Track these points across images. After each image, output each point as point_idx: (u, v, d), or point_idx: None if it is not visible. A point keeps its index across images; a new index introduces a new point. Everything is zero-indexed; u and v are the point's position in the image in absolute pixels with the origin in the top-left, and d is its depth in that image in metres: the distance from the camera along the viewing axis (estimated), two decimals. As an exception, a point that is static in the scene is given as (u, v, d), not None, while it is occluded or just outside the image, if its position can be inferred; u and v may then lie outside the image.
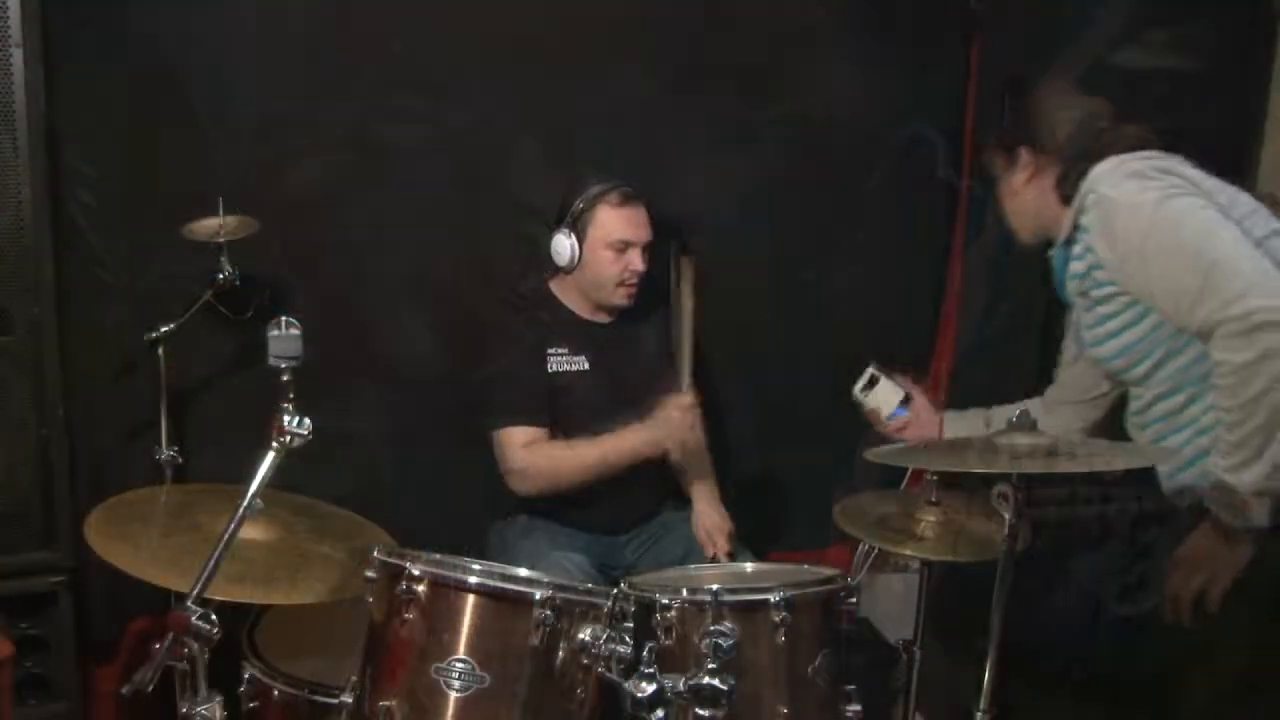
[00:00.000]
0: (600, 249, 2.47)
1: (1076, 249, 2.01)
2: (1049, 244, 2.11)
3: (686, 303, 2.39)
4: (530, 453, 2.42)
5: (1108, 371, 2.10)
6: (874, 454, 1.87)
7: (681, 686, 1.55)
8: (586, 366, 2.53)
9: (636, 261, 2.48)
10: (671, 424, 2.37)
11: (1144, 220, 1.88)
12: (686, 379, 2.40)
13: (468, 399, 2.57)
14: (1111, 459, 1.99)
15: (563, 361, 2.51)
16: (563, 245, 2.48)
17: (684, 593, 1.84)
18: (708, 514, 2.52)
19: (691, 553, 2.47)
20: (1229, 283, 1.78)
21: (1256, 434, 1.80)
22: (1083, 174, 1.97)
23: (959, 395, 2.51)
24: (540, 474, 2.42)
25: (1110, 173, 1.95)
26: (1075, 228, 2.00)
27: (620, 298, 2.51)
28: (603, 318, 2.58)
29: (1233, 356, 1.78)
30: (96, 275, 2.43)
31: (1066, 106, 2.05)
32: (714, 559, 2.42)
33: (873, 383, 2.42)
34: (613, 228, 2.46)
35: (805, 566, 2.09)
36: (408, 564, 1.67)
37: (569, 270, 2.51)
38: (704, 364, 2.50)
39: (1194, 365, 1.93)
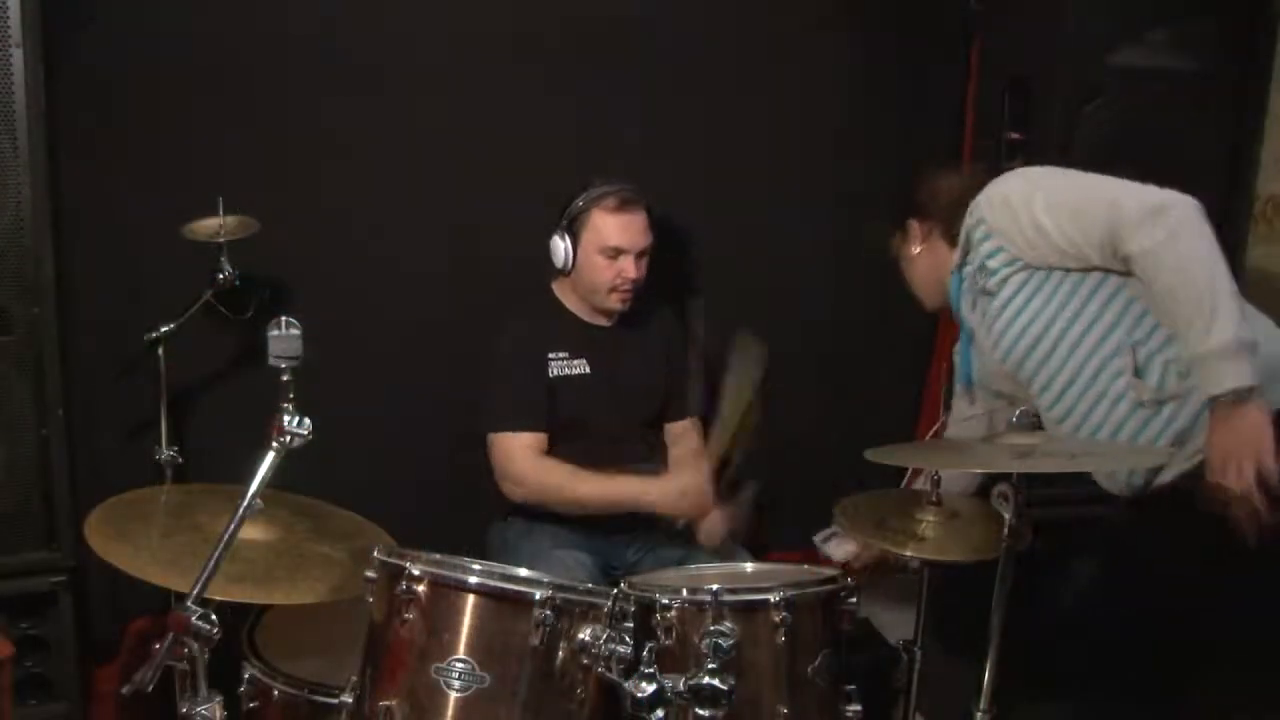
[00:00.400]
0: (593, 254, 2.45)
1: (968, 268, 2.14)
2: None
3: (734, 383, 2.32)
4: (537, 466, 2.41)
5: (1018, 364, 2.10)
6: (873, 454, 1.88)
7: (681, 686, 1.55)
8: (587, 370, 2.52)
9: (629, 269, 2.46)
10: (685, 503, 2.36)
11: (1032, 184, 2.05)
12: (715, 454, 2.37)
13: (468, 399, 2.56)
14: (1113, 459, 2.00)
15: (563, 365, 2.51)
16: (558, 248, 2.48)
17: (684, 593, 1.84)
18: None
19: (690, 553, 2.47)
20: (1118, 196, 1.92)
21: (1203, 297, 1.83)
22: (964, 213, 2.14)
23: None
24: (540, 489, 2.41)
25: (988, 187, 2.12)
26: (966, 247, 2.13)
27: (614, 303, 2.50)
28: (603, 320, 2.57)
29: (1149, 241, 1.86)
30: (96, 275, 2.43)
31: (942, 177, 2.24)
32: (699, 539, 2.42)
33: (830, 537, 2.49)
34: (606, 233, 2.44)
35: (805, 566, 2.08)
36: (408, 564, 1.67)
37: (565, 273, 2.51)
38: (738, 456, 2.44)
39: (1091, 333, 1.99)
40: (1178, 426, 1.93)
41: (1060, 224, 1.97)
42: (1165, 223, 1.86)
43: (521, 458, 2.42)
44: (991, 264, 2.07)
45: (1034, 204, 2.00)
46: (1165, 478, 1.98)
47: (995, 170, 2.22)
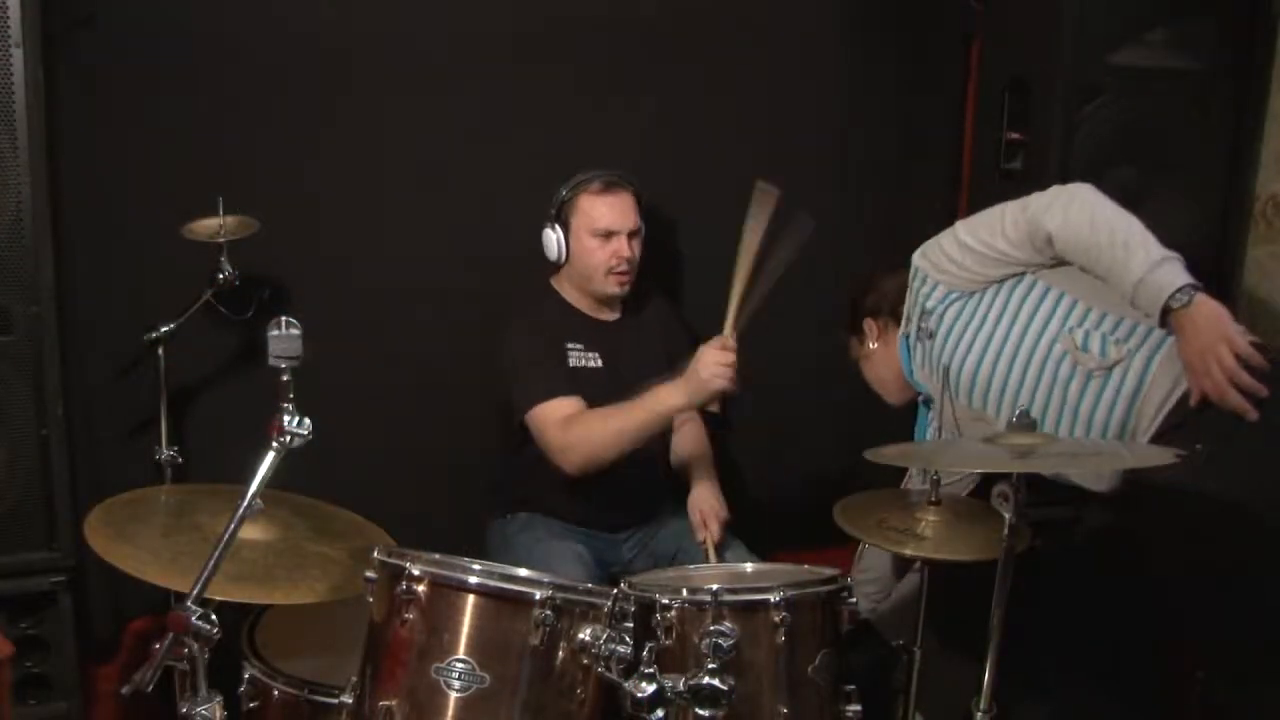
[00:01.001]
0: (585, 238, 2.46)
1: (911, 327, 2.31)
2: None
3: (750, 237, 2.21)
4: (567, 429, 2.35)
5: (970, 390, 2.20)
6: (874, 454, 1.88)
7: (681, 686, 1.55)
8: (600, 364, 2.53)
9: (623, 248, 2.47)
10: (705, 372, 2.16)
11: (954, 231, 2.24)
12: (730, 322, 2.21)
13: (468, 398, 2.56)
14: (1112, 460, 2.00)
15: (580, 357, 2.51)
16: (549, 239, 2.49)
17: (684, 593, 1.84)
18: (705, 499, 2.51)
19: (683, 549, 2.47)
20: (1022, 198, 2.14)
21: (1121, 236, 1.98)
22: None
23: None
24: (580, 448, 2.32)
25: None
26: (908, 314, 2.31)
27: (612, 286, 2.50)
28: (608, 315, 2.58)
29: (1061, 213, 2.05)
30: (96, 275, 2.43)
31: (884, 279, 2.43)
32: (703, 544, 2.42)
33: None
34: (595, 215, 2.45)
35: (805, 566, 2.08)
36: (408, 564, 1.67)
37: (560, 265, 2.51)
38: (760, 312, 2.28)
39: (1029, 332, 2.13)
40: (1130, 386, 2.04)
41: (980, 236, 2.17)
42: (1070, 196, 2.07)
43: (563, 425, 2.35)
44: (929, 304, 2.24)
45: (955, 232, 2.22)
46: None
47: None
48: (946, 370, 2.23)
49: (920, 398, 2.41)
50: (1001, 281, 2.18)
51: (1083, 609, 2.16)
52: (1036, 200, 2.10)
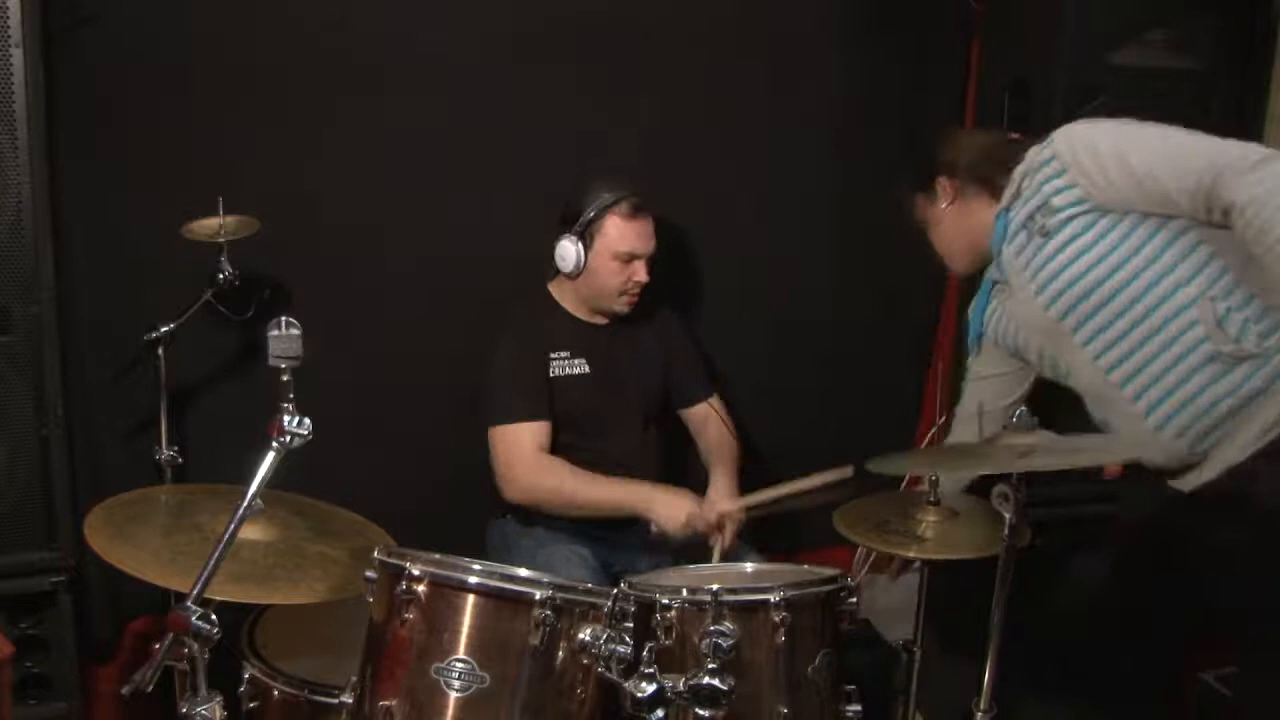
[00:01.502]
0: (607, 259, 2.46)
1: (1021, 208, 2.02)
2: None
3: (809, 483, 2.35)
4: (537, 464, 2.40)
5: (1067, 309, 1.98)
6: (875, 464, 1.87)
7: (681, 686, 1.55)
8: (586, 369, 2.53)
9: (641, 273, 2.48)
10: (686, 529, 2.35)
11: (1119, 126, 1.94)
12: (751, 501, 2.40)
13: (467, 399, 2.56)
14: (1115, 452, 1.98)
15: (564, 365, 2.51)
16: (568, 251, 2.47)
17: (684, 593, 1.84)
18: (722, 500, 2.50)
19: (687, 548, 2.47)
20: (1218, 143, 1.83)
21: None
22: (1009, 171, 2.04)
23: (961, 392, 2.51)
24: (535, 489, 2.41)
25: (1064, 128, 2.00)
26: (1019, 190, 2.02)
27: (621, 306, 2.52)
28: (601, 320, 2.58)
29: (1257, 188, 1.73)
30: (96, 275, 2.43)
31: (964, 135, 2.23)
32: (711, 543, 2.42)
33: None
34: (621, 239, 2.45)
35: (805, 566, 2.08)
36: (408, 564, 1.67)
37: (572, 276, 2.51)
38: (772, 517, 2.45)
39: (1162, 282, 1.88)
40: (1251, 387, 1.83)
41: (1152, 166, 1.85)
42: (1269, 169, 1.74)
43: (522, 452, 2.40)
44: (1057, 201, 1.95)
45: (1121, 148, 1.89)
46: (1238, 455, 1.86)
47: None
48: (1049, 276, 1.98)
49: (992, 272, 2.16)
50: (1147, 214, 1.90)
51: (1085, 607, 2.16)
52: (1233, 152, 1.79)
